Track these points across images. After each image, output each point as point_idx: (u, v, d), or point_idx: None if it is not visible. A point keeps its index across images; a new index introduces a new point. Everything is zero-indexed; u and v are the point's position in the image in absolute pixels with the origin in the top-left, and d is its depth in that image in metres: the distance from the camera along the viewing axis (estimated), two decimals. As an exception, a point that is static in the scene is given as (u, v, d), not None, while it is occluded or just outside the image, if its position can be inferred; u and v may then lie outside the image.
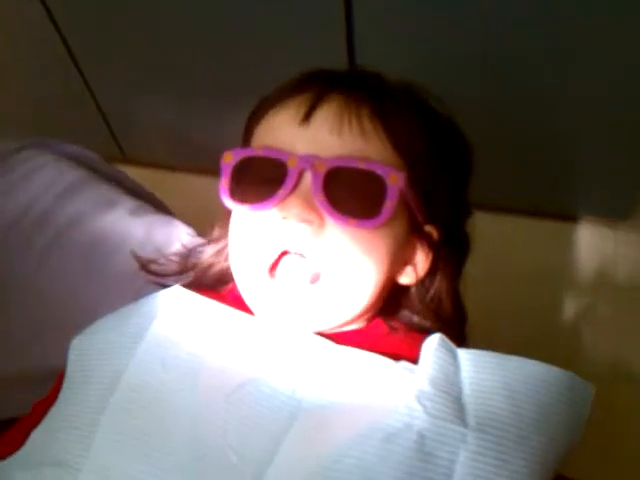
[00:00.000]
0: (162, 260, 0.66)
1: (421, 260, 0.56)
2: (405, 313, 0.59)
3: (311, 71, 0.57)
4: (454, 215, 0.59)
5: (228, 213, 0.61)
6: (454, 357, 0.48)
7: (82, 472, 0.46)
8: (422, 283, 0.57)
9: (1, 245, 0.72)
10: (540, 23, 0.87)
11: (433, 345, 0.48)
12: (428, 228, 0.56)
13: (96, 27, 1.08)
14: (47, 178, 0.75)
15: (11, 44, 1.14)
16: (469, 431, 0.44)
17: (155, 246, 0.70)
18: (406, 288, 0.58)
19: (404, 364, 0.48)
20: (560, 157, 1.11)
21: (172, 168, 1.34)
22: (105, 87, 1.21)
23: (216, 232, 0.62)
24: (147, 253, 0.67)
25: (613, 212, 1.22)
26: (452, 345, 0.48)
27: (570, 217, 1.26)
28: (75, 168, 0.78)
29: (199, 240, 0.70)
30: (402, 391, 0.46)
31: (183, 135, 1.26)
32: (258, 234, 0.52)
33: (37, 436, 0.52)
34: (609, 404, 1.08)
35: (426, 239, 0.56)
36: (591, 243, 1.26)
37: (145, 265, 0.65)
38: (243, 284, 0.54)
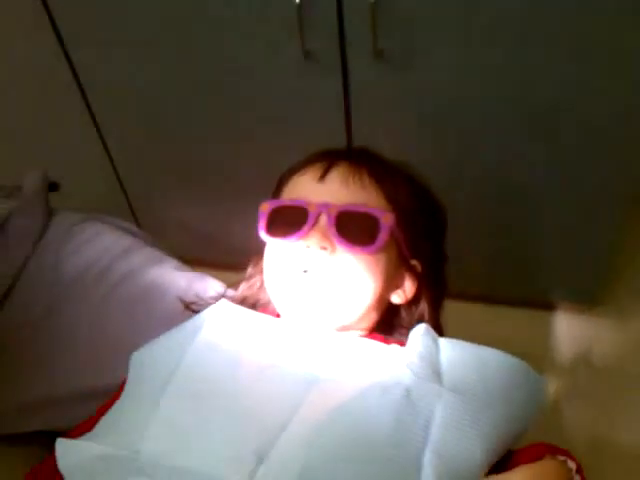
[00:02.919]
0: (201, 302, 0.82)
1: (408, 286, 0.74)
2: (396, 336, 0.75)
3: (324, 149, 0.77)
4: (434, 256, 0.76)
5: (256, 258, 0.78)
6: (436, 341, 0.65)
7: (149, 427, 0.60)
8: (409, 306, 0.74)
9: (68, 292, 0.89)
10: (517, 133, 1.07)
11: (420, 332, 0.65)
12: (413, 262, 0.73)
13: (133, 125, 1.30)
14: (106, 242, 0.93)
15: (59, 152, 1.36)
16: (444, 390, 0.59)
17: (195, 293, 0.86)
18: (398, 310, 0.74)
19: (394, 346, 0.64)
20: (539, 253, 1.29)
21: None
22: (136, 185, 1.42)
23: (249, 271, 0.79)
24: (189, 298, 0.84)
25: (586, 299, 1.36)
26: (434, 333, 0.65)
27: (547, 305, 1.41)
28: (128, 236, 0.96)
29: (229, 290, 0.86)
30: (395, 363, 0.61)
31: (200, 231, 1.43)
32: (288, 257, 0.70)
33: (103, 421, 0.68)
34: (588, 474, 1.18)
35: (412, 270, 0.73)
36: (567, 328, 1.39)
37: (188, 305, 0.82)
38: (277, 285, 0.71)
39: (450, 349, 0.63)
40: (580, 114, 1.02)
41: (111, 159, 1.37)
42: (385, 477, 0.54)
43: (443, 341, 0.64)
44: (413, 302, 0.74)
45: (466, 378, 0.61)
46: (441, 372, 0.61)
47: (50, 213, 0.96)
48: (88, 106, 1.27)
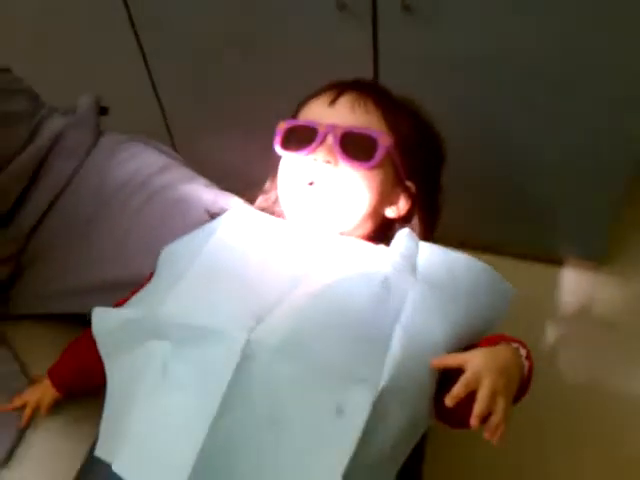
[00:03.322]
0: (223, 213, 0.93)
1: (402, 204, 0.84)
2: None
3: (337, 80, 0.87)
4: (429, 183, 0.86)
5: (273, 174, 0.89)
6: (416, 244, 0.75)
7: (166, 300, 0.71)
8: (402, 222, 0.84)
9: (108, 203, 1.03)
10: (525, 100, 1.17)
11: (404, 235, 0.76)
12: (408, 183, 0.83)
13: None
14: (145, 160, 1.06)
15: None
16: (417, 281, 0.70)
17: (219, 207, 0.98)
18: (392, 225, 0.84)
19: (382, 246, 0.75)
20: (550, 212, 1.37)
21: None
22: (180, 123, 1.55)
23: (267, 185, 0.90)
24: (214, 210, 0.95)
25: (594, 257, 1.45)
26: (416, 236, 0.76)
27: (556, 261, 1.50)
28: (165, 157, 1.08)
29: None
30: (379, 258, 0.72)
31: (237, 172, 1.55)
32: (297, 169, 0.81)
33: (131, 300, 0.80)
34: (582, 417, 1.25)
35: (407, 191, 0.83)
36: (572, 282, 1.48)
37: (212, 216, 0.93)
38: (288, 195, 0.82)
39: (429, 251, 0.74)
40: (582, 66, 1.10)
41: (158, 97, 1.50)
42: (360, 344, 0.65)
43: (423, 244, 0.75)
44: (406, 219, 0.84)
45: (438, 275, 0.71)
46: (417, 269, 0.72)
47: (99, 134, 1.09)
48: (139, 44, 1.39)
